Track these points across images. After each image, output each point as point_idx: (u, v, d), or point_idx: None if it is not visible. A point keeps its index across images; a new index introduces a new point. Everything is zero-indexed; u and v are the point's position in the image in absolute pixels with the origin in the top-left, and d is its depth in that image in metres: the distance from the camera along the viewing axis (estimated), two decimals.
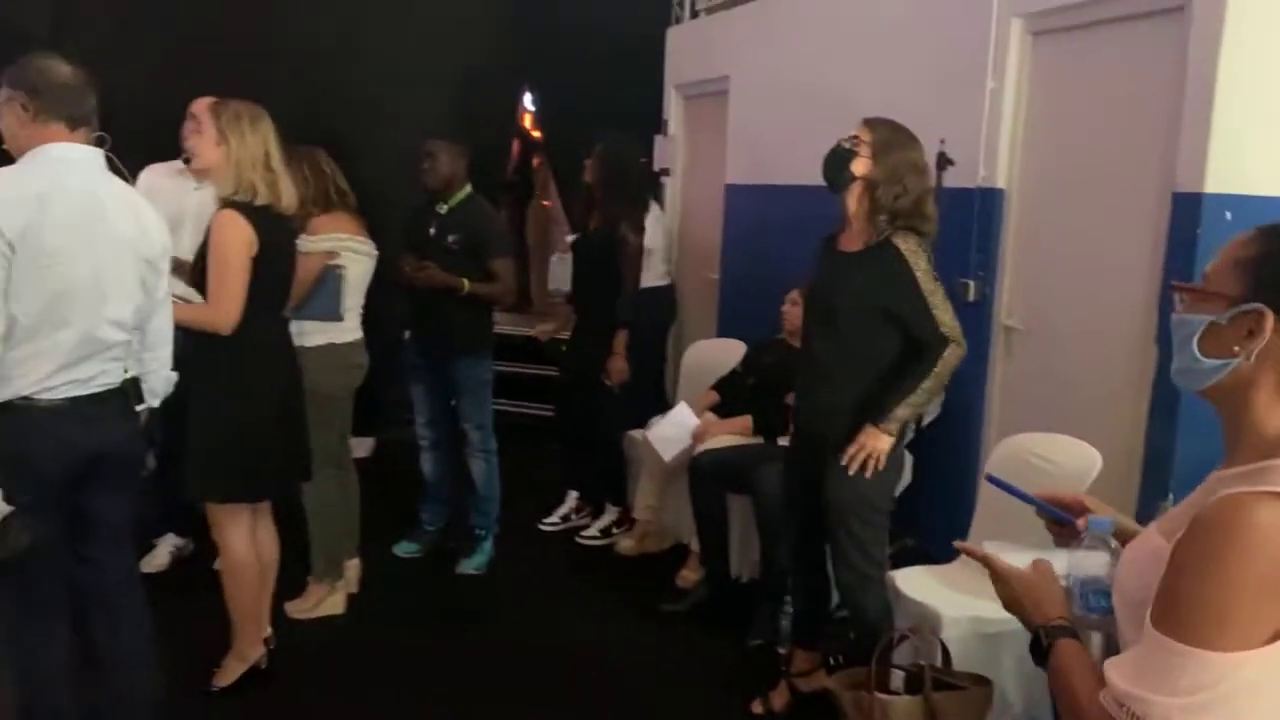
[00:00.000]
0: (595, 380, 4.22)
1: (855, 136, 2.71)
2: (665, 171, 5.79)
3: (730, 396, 4.04)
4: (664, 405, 4.38)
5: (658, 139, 5.79)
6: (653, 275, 4.70)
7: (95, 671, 2.50)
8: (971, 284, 3.49)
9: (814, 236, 2.95)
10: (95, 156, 2.35)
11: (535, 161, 7.30)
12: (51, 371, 2.23)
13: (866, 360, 2.72)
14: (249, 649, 3.07)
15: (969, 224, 3.49)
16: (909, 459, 3.19)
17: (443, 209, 3.88)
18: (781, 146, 4.44)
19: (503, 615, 3.75)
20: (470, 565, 4.06)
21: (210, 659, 3.07)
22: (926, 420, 3.41)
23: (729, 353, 4.26)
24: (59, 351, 2.23)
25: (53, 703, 2.40)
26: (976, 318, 3.41)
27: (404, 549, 4.17)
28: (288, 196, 2.91)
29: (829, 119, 3.02)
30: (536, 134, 6.96)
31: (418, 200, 3.98)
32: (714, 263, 5.33)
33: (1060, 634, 1.27)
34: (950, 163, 3.48)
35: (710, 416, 4.01)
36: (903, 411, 2.68)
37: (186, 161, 3.06)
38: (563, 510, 4.60)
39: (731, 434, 3.83)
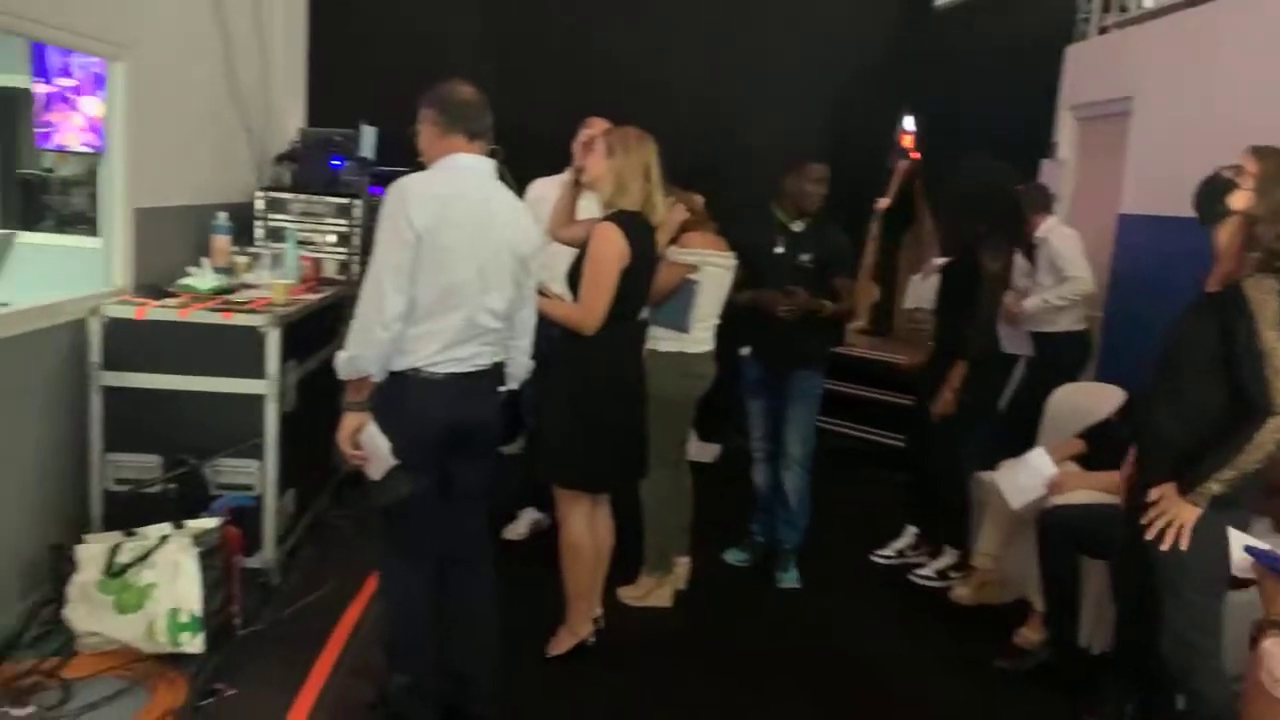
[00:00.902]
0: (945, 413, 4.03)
1: (1239, 166, 2.41)
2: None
3: (1098, 447, 3.65)
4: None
5: (1045, 163, 5.41)
6: (1067, 319, 4.56)
7: (450, 618, 2.80)
8: None
9: None
10: (488, 166, 2.67)
11: (916, 184, 7.13)
12: (438, 349, 2.55)
13: (1199, 417, 2.42)
14: (580, 625, 3.29)
15: None
16: None
17: (798, 227, 3.95)
18: (1189, 174, 3.93)
19: (818, 637, 3.70)
20: (788, 579, 4.08)
21: (550, 626, 3.33)
22: None
23: (1103, 399, 3.86)
24: (446, 333, 2.55)
25: (411, 632, 2.73)
26: None
27: (733, 556, 4.26)
28: (660, 209, 3.12)
29: (1247, 145, 2.65)
30: (915, 155, 6.78)
31: (756, 218, 4.03)
32: (1098, 299, 4.87)
33: None
34: None
35: (1071, 467, 3.65)
36: (1215, 486, 2.35)
37: (578, 174, 3.37)
38: (899, 544, 4.44)
39: (1093, 489, 3.47)
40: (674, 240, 3.64)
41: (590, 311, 3.01)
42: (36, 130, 5.30)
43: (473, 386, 2.63)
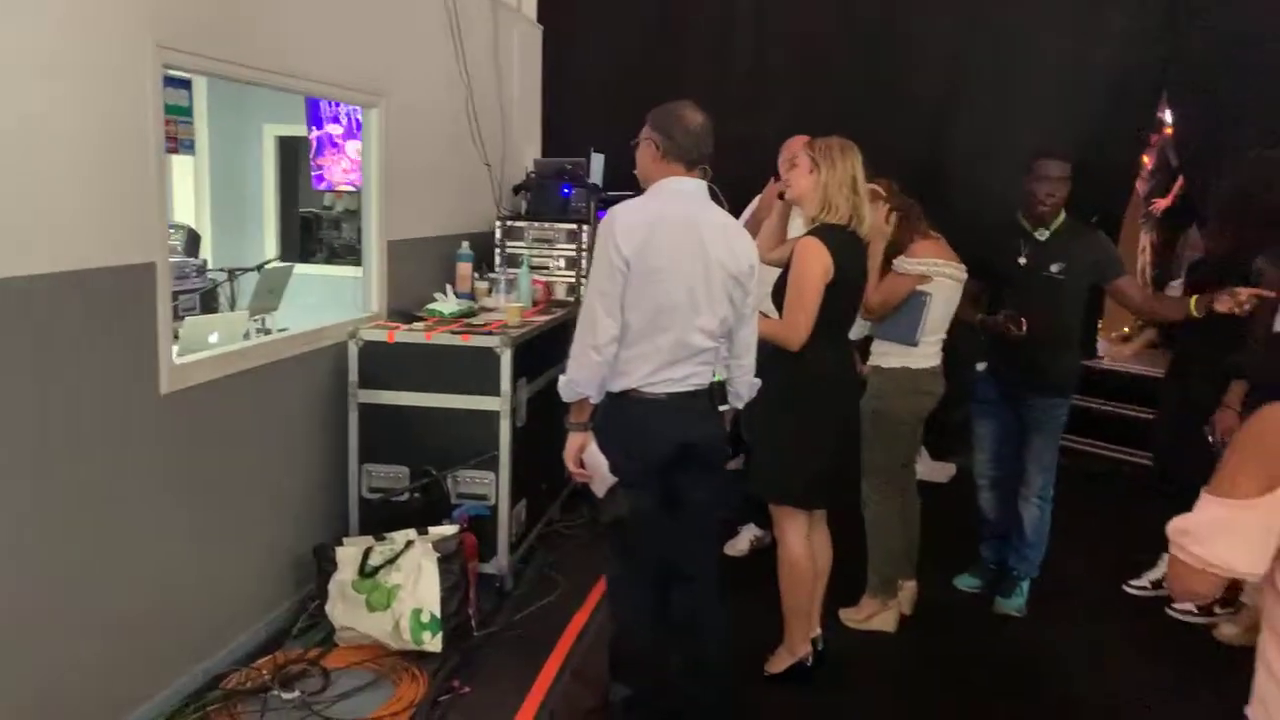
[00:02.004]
0: (1196, 426, 3.65)
1: None
2: None
3: None
4: None
5: None
6: None
7: (675, 633, 2.86)
8: None
9: None
10: (700, 188, 2.70)
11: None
12: (653, 370, 2.61)
13: None
14: (798, 645, 3.25)
15: None
16: None
17: (1042, 235, 3.65)
18: None
19: (1053, 669, 3.45)
20: (1010, 606, 3.84)
21: (770, 644, 3.31)
22: None
23: None
24: (659, 354, 2.60)
25: (634, 646, 2.81)
26: None
27: (964, 582, 4.06)
28: (868, 221, 3.05)
29: None
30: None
31: (1002, 226, 3.77)
32: None
33: None
34: None
35: None
36: None
37: (780, 195, 3.33)
38: (1154, 574, 4.06)
39: None
40: (900, 249, 3.53)
41: (794, 327, 2.97)
42: (312, 173, 5.96)
43: (691, 406, 2.67)
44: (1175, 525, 1.54)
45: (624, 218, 2.58)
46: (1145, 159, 6.24)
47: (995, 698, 3.26)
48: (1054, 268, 3.60)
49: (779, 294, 3.05)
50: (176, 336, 3.32)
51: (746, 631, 3.34)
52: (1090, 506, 4.82)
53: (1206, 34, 4.95)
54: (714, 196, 2.78)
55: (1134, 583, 4.08)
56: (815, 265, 2.94)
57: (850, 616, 3.67)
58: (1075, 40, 5.11)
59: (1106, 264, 3.64)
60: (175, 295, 4.44)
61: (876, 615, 3.67)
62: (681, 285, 2.58)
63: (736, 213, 4.03)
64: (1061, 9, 5.16)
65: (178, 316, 4.16)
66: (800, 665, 3.25)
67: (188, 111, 3.35)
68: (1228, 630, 3.66)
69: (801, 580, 3.19)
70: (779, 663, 3.28)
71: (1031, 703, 3.26)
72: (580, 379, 2.59)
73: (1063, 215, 3.65)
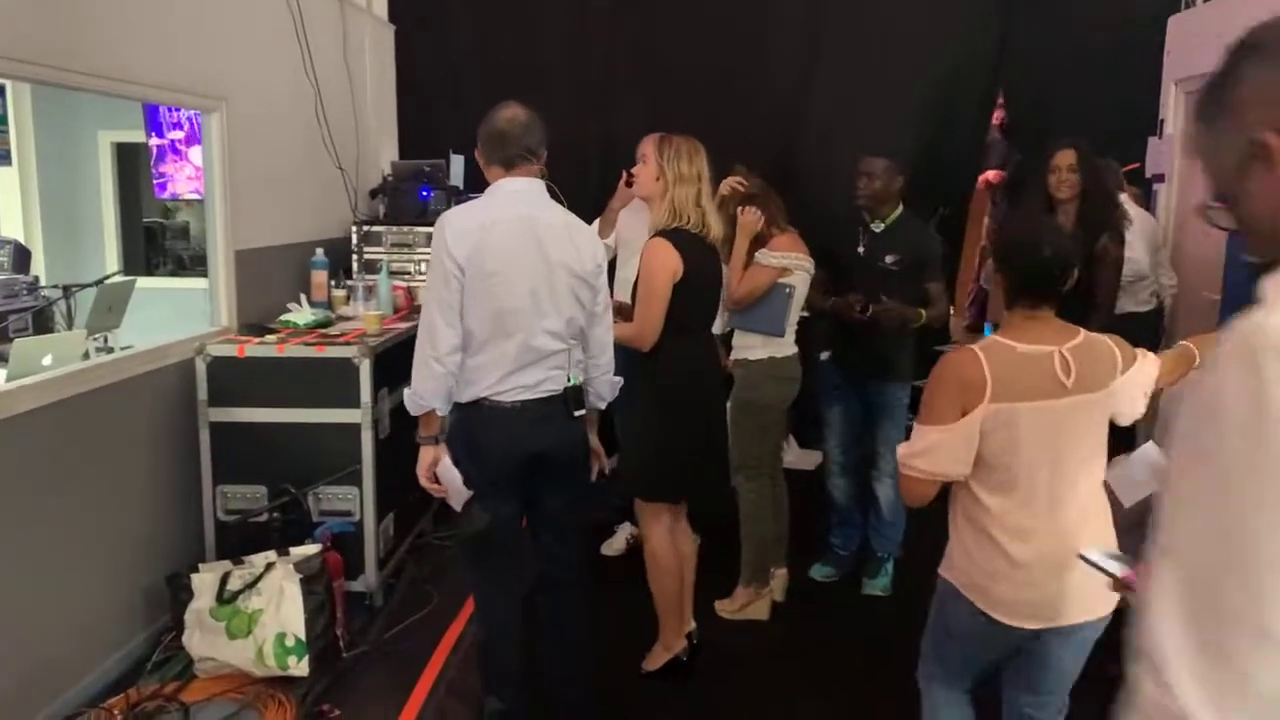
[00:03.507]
0: None
1: None
2: (1159, 178, 5.12)
3: None
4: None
5: (1152, 141, 5.14)
6: (1133, 300, 4.22)
7: (540, 640, 2.84)
8: None
9: None
10: (535, 187, 2.64)
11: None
12: (500, 377, 2.57)
13: None
14: (673, 640, 3.29)
15: None
16: None
17: (878, 227, 3.79)
18: None
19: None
20: (875, 587, 3.98)
21: (647, 642, 3.33)
22: None
23: None
24: (505, 360, 2.56)
25: (503, 658, 2.78)
26: None
27: (818, 572, 4.13)
28: (716, 228, 3.08)
29: None
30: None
31: (843, 219, 3.91)
32: (1215, 281, 4.59)
33: None
34: None
35: None
36: None
37: (629, 184, 3.35)
38: None
39: None
40: (761, 243, 3.60)
41: (643, 327, 2.98)
42: (154, 181, 5.66)
43: (545, 413, 2.62)
44: (903, 451, 2.13)
45: (454, 222, 2.53)
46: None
47: (869, 679, 3.35)
48: (888, 259, 3.73)
49: (634, 293, 3.06)
50: (4, 359, 3.11)
51: (625, 630, 3.37)
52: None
53: (1036, 22, 5.24)
54: (553, 195, 2.73)
55: None
56: (663, 266, 2.96)
57: (724, 608, 3.73)
58: (917, 27, 5.32)
59: (927, 264, 3.78)
60: (3, 316, 4.15)
61: (751, 604, 3.74)
62: (522, 287, 2.53)
63: (599, 209, 4.08)
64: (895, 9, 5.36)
65: (7, 338, 3.90)
66: (676, 660, 3.28)
67: (1, 120, 3.12)
68: None
69: (668, 574, 3.22)
70: (655, 660, 3.30)
71: (905, 678, 3.36)
72: (424, 391, 2.53)
73: (900, 208, 3.80)
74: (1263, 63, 1.00)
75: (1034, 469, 2.06)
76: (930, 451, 2.07)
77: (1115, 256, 3.75)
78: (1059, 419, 2.05)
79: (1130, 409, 2.20)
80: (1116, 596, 1.99)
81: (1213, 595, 0.87)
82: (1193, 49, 4.91)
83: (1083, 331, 2.17)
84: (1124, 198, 4.45)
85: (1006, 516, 2.09)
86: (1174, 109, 5.08)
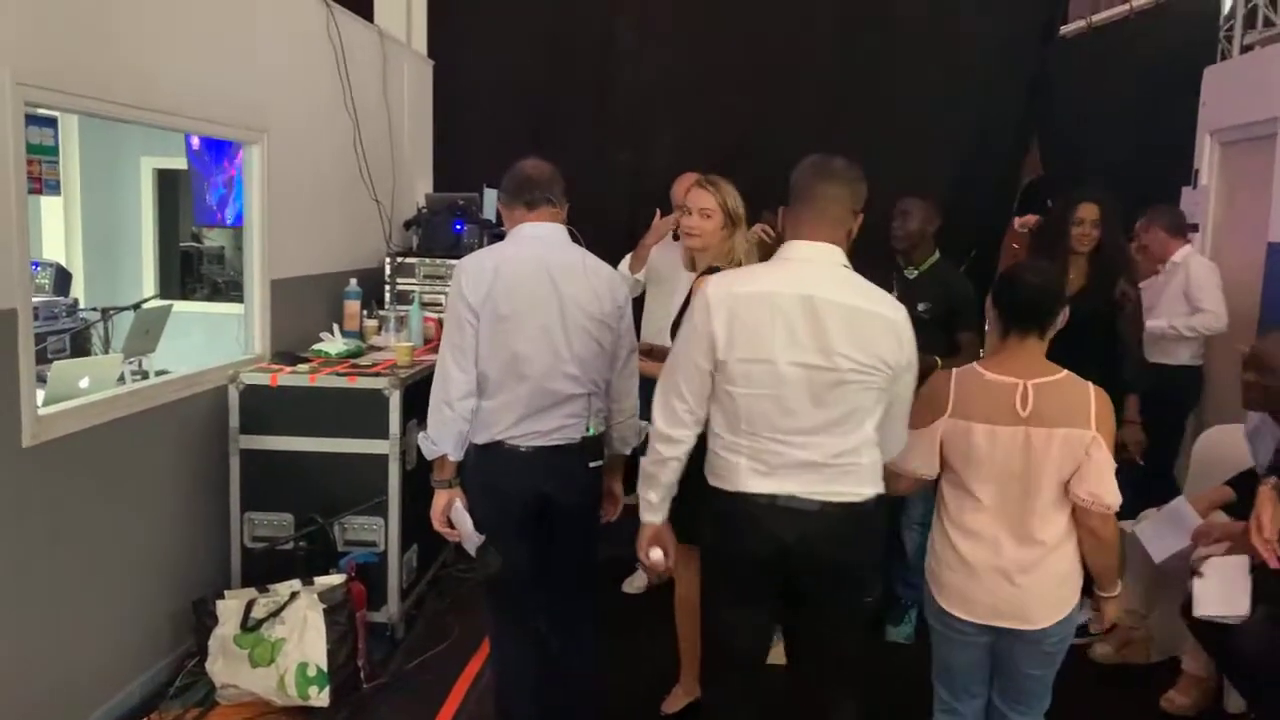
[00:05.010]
0: None
1: None
2: (1194, 227, 5.08)
3: (1249, 495, 3.40)
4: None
5: (1185, 191, 5.11)
6: (1188, 352, 4.39)
7: (551, 682, 2.82)
8: None
9: None
10: (556, 231, 2.65)
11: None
12: (516, 420, 2.56)
13: None
14: (694, 683, 3.25)
15: None
16: None
17: (911, 274, 3.78)
18: None
19: None
20: (899, 634, 3.94)
21: (668, 683, 3.30)
22: None
23: None
24: (519, 403, 2.55)
25: (516, 700, 2.77)
26: None
27: None
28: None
29: None
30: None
31: (870, 264, 3.88)
32: (1248, 335, 4.54)
33: None
34: None
35: (1220, 517, 3.41)
36: None
37: (676, 238, 3.34)
38: None
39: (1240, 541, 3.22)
40: None
41: None
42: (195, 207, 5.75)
43: (559, 463, 2.61)
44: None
45: (470, 267, 2.56)
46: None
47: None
48: (920, 307, 3.62)
49: (675, 332, 3.05)
50: (43, 380, 3.16)
51: (644, 670, 3.34)
52: None
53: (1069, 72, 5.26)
54: (574, 239, 2.73)
55: None
56: None
57: None
58: (952, 69, 5.35)
59: (959, 312, 3.72)
60: (43, 337, 4.22)
61: (772, 648, 3.70)
62: (535, 330, 2.53)
63: (627, 245, 4.11)
64: (935, 44, 5.39)
65: (45, 359, 3.96)
66: (696, 704, 3.25)
67: (53, 151, 3.20)
68: (1101, 650, 3.81)
69: (696, 618, 3.18)
70: (675, 702, 3.27)
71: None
72: (437, 436, 2.55)
73: (936, 255, 3.78)
74: None
75: (984, 482, 2.32)
76: (908, 450, 2.40)
77: (1135, 298, 3.76)
78: (1008, 443, 2.27)
79: (1068, 467, 2.27)
80: (1066, 606, 2.36)
81: None
82: (1228, 100, 4.90)
83: (1065, 372, 2.31)
84: (1186, 249, 4.48)
85: (961, 515, 2.37)
86: (1209, 159, 5.05)
